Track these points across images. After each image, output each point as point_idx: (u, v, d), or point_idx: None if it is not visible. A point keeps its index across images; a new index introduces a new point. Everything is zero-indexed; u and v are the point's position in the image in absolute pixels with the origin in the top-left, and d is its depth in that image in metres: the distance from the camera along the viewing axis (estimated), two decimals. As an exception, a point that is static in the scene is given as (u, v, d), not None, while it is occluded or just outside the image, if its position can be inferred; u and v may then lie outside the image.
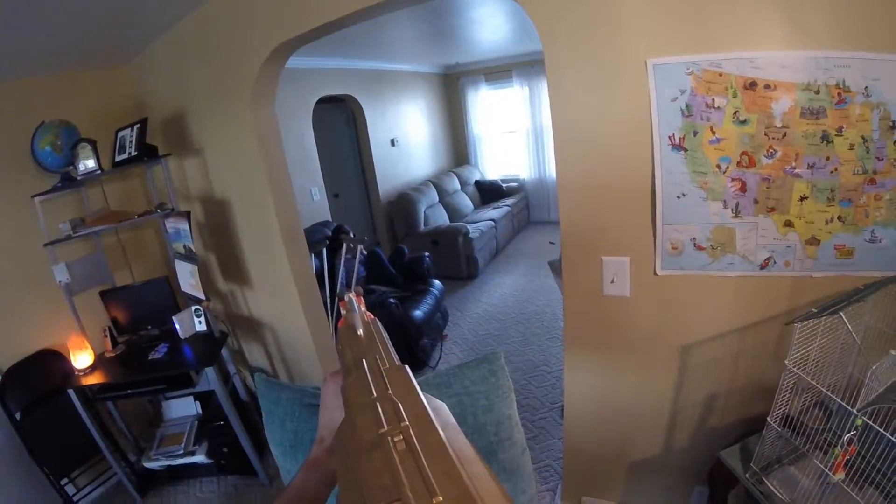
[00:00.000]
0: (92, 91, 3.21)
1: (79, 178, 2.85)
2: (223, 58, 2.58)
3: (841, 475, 1.35)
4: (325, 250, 3.95)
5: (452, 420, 0.41)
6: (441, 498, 0.29)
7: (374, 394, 0.42)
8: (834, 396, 1.32)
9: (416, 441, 0.34)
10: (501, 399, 1.29)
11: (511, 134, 8.27)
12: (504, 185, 8.25)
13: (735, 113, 1.47)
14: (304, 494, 0.65)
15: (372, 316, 0.66)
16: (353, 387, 0.47)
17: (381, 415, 0.38)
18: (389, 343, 0.57)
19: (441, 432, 0.36)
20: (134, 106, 3.30)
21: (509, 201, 7.78)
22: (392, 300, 4.13)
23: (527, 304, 5.29)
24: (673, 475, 2.17)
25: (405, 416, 0.37)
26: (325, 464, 0.67)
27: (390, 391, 0.42)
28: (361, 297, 0.70)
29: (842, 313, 1.25)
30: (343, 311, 0.67)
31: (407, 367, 0.48)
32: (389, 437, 0.35)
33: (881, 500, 1.33)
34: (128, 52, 3.10)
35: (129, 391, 2.98)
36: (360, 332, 0.59)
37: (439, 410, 0.41)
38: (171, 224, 2.95)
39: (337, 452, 0.46)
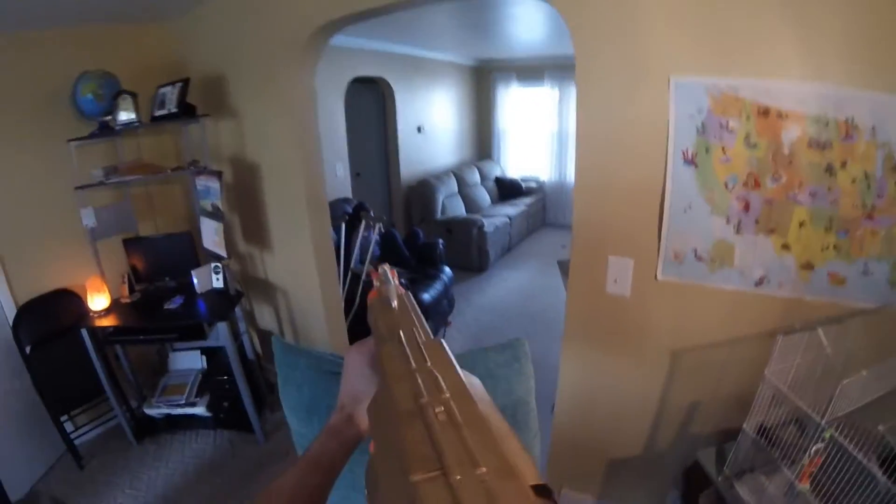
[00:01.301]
0: (134, 45, 3.28)
1: (117, 128, 2.92)
2: (270, 27, 2.65)
3: (806, 486, 1.44)
4: (343, 225, 4.05)
5: (488, 396, 0.42)
6: (485, 469, 0.29)
7: (413, 364, 0.43)
8: (805, 408, 1.40)
9: (457, 413, 0.35)
10: (522, 385, 1.30)
11: (536, 134, 8.27)
12: (523, 184, 8.26)
13: (747, 136, 1.56)
14: (322, 460, 0.65)
15: (405, 289, 0.65)
16: (389, 356, 0.47)
17: (422, 385, 0.38)
18: (422, 317, 0.57)
19: (480, 405, 0.37)
20: (175, 64, 3.36)
21: (527, 200, 7.82)
22: (403, 280, 4.22)
23: (532, 301, 5.36)
24: (651, 476, 2.25)
25: (444, 388, 0.38)
26: (344, 431, 0.67)
27: (429, 363, 0.43)
28: (395, 271, 0.69)
29: (819, 329, 1.33)
30: (376, 283, 0.67)
31: (444, 341, 0.48)
32: (431, 408, 0.35)
33: None
34: (175, 9, 3.15)
35: (140, 336, 3.08)
36: (395, 304, 0.60)
37: (476, 386, 0.42)
38: (202, 182, 3.05)
39: (373, 420, 0.45)
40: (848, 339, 1.48)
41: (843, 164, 1.49)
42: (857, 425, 1.33)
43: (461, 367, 0.43)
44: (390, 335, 0.52)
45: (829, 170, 1.51)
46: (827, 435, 1.35)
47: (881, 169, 1.45)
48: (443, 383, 0.39)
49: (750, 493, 1.60)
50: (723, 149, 1.60)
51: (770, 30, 1.49)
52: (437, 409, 0.35)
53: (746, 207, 1.63)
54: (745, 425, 1.60)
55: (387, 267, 0.68)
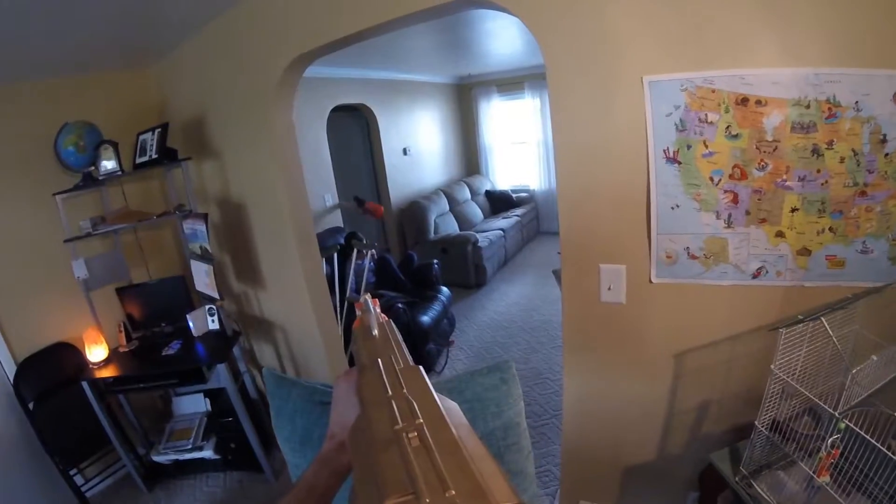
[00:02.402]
0: (115, 92, 3.31)
1: (100, 177, 2.94)
2: (245, 64, 2.66)
3: (826, 478, 1.40)
4: (336, 255, 4.03)
5: (465, 420, 0.42)
6: (454, 491, 0.30)
7: (390, 392, 0.44)
8: (817, 400, 1.37)
9: (430, 438, 0.36)
10: (511, 407, 1.31)
11: (522, 145, 8.31)
12: (514, 196, 8.29)
13: (727, 128, 1.54)
14: (315, 488, 0.67)
15: (386, 318, 0.67)
16: (368, 384, 0.48)
17: (397, 412, 0.40)
18: (403, 344, 0.58)
19: (454, 430, 0.37)
20: (156, 108, 3.40)
21: (519, 211, 7.83)
22: (400, 305, 4.19)
23: (533, 314, 5.34)
24: (667, 480, 2.20)
25: (419, 414, 0.39)
26: (335, 459, 0.69)
27: (405, 390, 0.44)
28: (377, 300, 0.72)
29: (823, 318, 1.31)
30: (359, 312, 0.70)
31: (421, 367, 0.49)
32: (404, 434, 0.36)
33: (865, 500, 1.37)
34: (152, 54, 3.18)
35: (141, 384, 3.06)
36: (376, 332, 0.61)
37: (452, 410, 0.42)
38: (189, 225, 3.03)
39: (352, 447, 0.46)
40: (854, 321, 1.46)
41: (830, 145, 1.47)
42: (872, 412, 1.30)
43: (446, 391, 0.45)
44: (370, 363, 0.53)
45: (816, 152, 1.48)
46: (842, 426, 1.32)
47: (868, 144, 1.43)
48: (417, 409, 0.40)
49: (769, 491, 1.57)
50: (704, 143, 1.58)
51: (740, 19, 1.47)
52: (410, 435, 0.36)
53: (735, 200, 1.61)
54: (756, 422, 1.57)
55: (368, 297, 0.70)
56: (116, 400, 3.25)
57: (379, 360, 0.51)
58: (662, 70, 1.57)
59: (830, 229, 1.55)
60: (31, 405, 2.83)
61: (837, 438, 1.35)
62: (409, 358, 0.54)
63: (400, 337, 0.61)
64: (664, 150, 1.64)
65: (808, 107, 1.45)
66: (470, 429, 0.40)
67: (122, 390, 3.13)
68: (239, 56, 2.69)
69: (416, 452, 0.34)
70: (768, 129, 1.51)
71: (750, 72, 1.48)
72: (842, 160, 1.47)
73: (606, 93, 1.69)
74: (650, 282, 1.84)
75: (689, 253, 1.73)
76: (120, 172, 2.95)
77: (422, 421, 0.38)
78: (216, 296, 3.03)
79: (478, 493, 0.31)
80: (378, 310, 0.69)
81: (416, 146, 7.28)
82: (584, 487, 2.45)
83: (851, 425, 1.30)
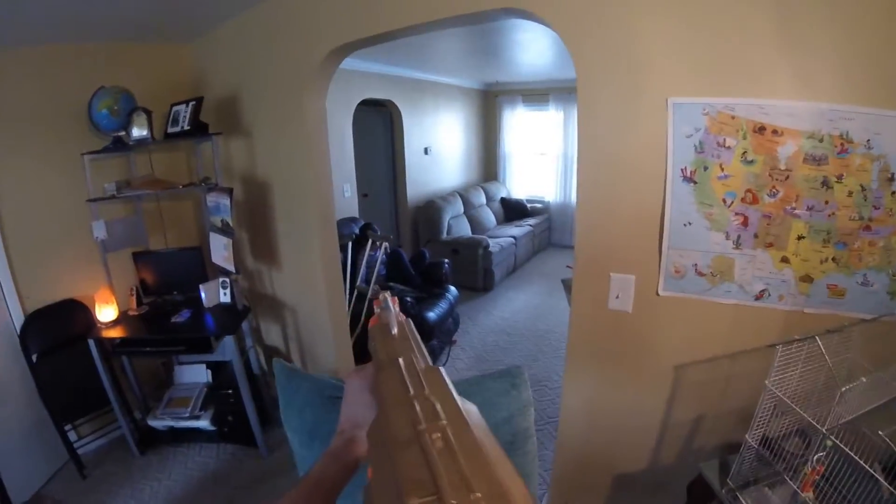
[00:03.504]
0: (152, 63, 3.37)
1: (131, 143, 3.01)
2: (283, 51, 2.73)
3: (810, 494, 1.45)
4: (350, 244, 4.10)
5: (484, 423, 0.42)
6: (479, 494, 0.30)
7: (412, 391, 0.44)
8: (805, 416, 1.42)
9: (453, 439, 0.35)
10: (520, 412, 1.32)
11: (542, 156, 8.36)
12: (528, 205, 8.34)
13: (744, 153, 1.60)
14: (323, 483, 0.66)
15: (405, 317, 0.66)
16: (388, 383, 0.48)
17: (420, 412, 0.39)
18: (422, 344, 0.58)
19: (476, 432, 0.37)
20: (190, 83, 3.46)
21: (532, 221, 7.87)
22: (409, 299, 4.27)
23: (537, 322, 5.38)
24: (657, 491, 2.23)
25: (441, 415, 0.39)
26: (344, 454, 0.68)
27: (427, 390, 0.43)
28: (396, 299, 0.70)
29: (818, 338, 1.36)
30: (377, 310, 0.68)
31: (442, 368, 0.49)
32: (427, 434, 0.36)
33: None
34: (193, 31, 3.25)
35: (147, 348, 3.13)
36: (395, 331, 0.60)
37: (472, 413, 0.42)
38: (213, 198, 3.10)
39: (370, 445, 0.46)
40: (850, 349, 1.50)
41: (839, 178, 1.52)
42: (859, 433, 1.33)
43: (459, 394, 0.44)
44: (389, 362, 0.52)
45: (826, 183, 1.54)
46: (828, 443, 1.36)
47: (877, 181, 1.48)
48: (440, 410, 0.40)
49: None
50: (720, 166, 1.64)
51: (764, 52, 1.54)
52: (433, 436, 0.36)
53: (745, 222, 1.67)
54: (747, 436, 1.61)
55: (388, 294, 0.69)
56: (120, 362, 3.30)
57: (400, 359, 0.51)
58: (686, 93, 1.64)
59: (833, 259, 1.60)
60: (34, 357, 2.89)
61: (823, 455, 1.40)
62: (429, 358, 0.54)
63: (419, 337, 0.60)
64: (682, 169, 1.70)
65: (821, 140, 1.51)
66: (489, 432, 0.40)
67: (128, 352, 3.19)
68: (277, 42, 2.76)
69: (439, 453, 0.34)
70: (782, 157, 1.57)
71: (768, 102, 1.54)
72: (850, 194, 1.52)
73: (632, 109, 1.76)
74: (657, 294, 1.90)
75: (696, 269, 1.78)
76: (150, 140, 3.02)
77: (445, 422, 0.38)
78: (232, 269, 3.09)
79: (501, 497, 0.31)
80: (397, 308, 0.68)
81: (438, 147, 7.34)
82: (573, 492, 2.48)
83: (837, 442, 1.33)
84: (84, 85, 2.97)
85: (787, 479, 1.52)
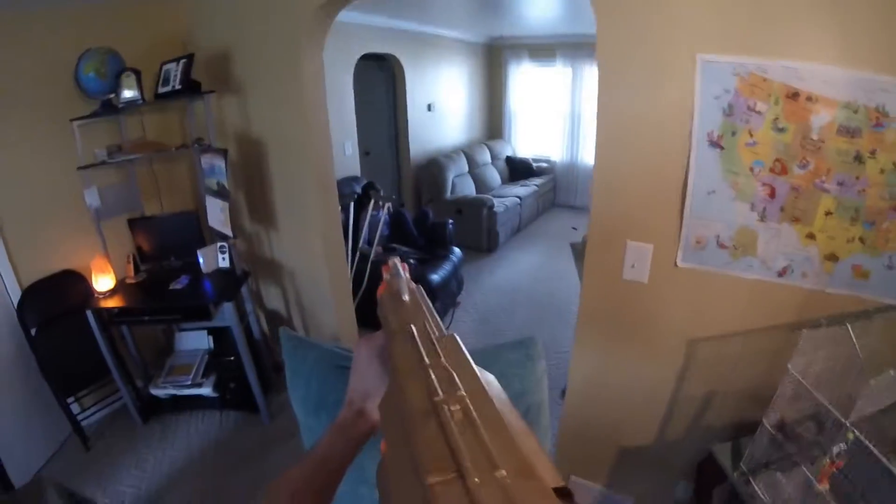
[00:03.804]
0: (140, 21, 3.22)
1: (120, 105, 2.88)
2: (278, 1, 2.59)
3: (825, 486, 1.40)
4: (352, 204, 4.01)
5: (504, 394, 0.40)
6: (504, 471, 0.28)
7: (427, 360, 0.41)
8: (831, 407, 1.36)
9: (473, 411, 0.33)
10: (535, 384, 1.30)
11: (548, 114, 8.17)
12: (534, 165, 8.19)
13: (775, 120, 1.49)
14: (330, 457, 0.64)
15: (416, 283, 0.63)
16: (401, 352, 0.46)
17: (436, 382, 0.37)
18: (434, 311, 0.55)
19: (497, 404, 0.35)
20: (181, 39, 3.31)
21: (537, 181, 7.75)
22: (412, 260, 4.20)
23: (541, 284, 5.34)
24: (660, 466, 2.23)
25: (460, 386, 0.36)
26: (353, 427, 0.66)
27: (443, 359, 0.41)
28: (406, 264, 0.68)
29: (848, 325, 1.28)
30: (386, 276, 0.66)
31: (457, 335, 0.46)
32: (446, 406, 0.34)
33: None
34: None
35: (146, 317, 3.07)
36: (406, 297, 0.58)
37: (491, 383, 0.40)
38: (207, 160, 3.00)
39: (383, 418, 0.44)
40: (870, 334, 1.42)
41: (873, 153, 1.42)
42: (881, 427, 1.30)
43: (476, 364, 0.41)
44: (402, 329, 0.50)
45: (858, 158, 1.44)
46: (850, 436, 1.31)
47: (911, 161, 1.39)
48: (458, 380, 0.37)
49: (766, 490, 1.58)
50: (749, 132, 1.53)
51: (802, 10, 1.41)
52: (452, 408, 0.34)
53: (772, 194, 1.57)
54: (764, 420, 1.56)
55: (397, 260, 0.67)
56: (119, 331, 3.26)
57: (412, 326, 0.48)
58: (717, 50, 1.52)
59: (860, 239, 1.52)
60: (33, 331, 2.84)
61: (843, 448, 1.34)
62: (443, 326, 0.50)
63: (430, 304, 0.57)
64: (708, 133, 1.59)
65: (856, 111, 1.41)
66: (510, 403, 0.38)
67: (126, 321, 3.14)
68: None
69: (460, 427, 0.32)
70: (815, 127, 1.46)
71: (804, 65, 1.43)
72: (881, 171, 1.43)
73: (658, 65, 1.63)
74: (675, 265, 1.81)
75: (718, 241, 1.70)
76: (141, 101, 2.89)
77: (464, 393, 0.35)
78: (230, 233, 3.01)
79: (528, 473, 0.28)
80: (408, 274, 0.65)
81: (441, 103, 7.17)
82: (576, 463, 2.47)
83: (861, 437, 1.29)
84: (70, 48, 2.84)
85: (804, 468, 1.49)
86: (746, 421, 1.84)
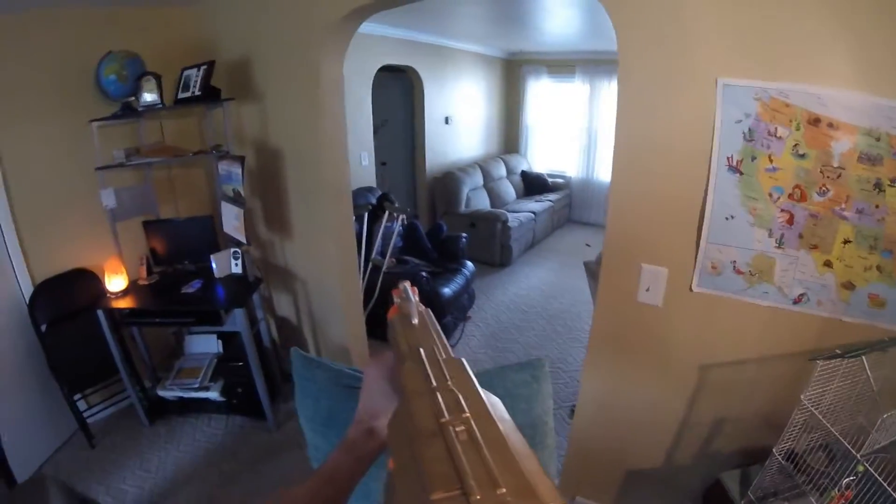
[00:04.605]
0: (162, 26, 3.26)
1: (140, 109, 2.92)
2: (300, 10, 2.61)
3: (835, 518, 1.38)
4: (366, 215, 4.02)
5: (508, 416, 0.41)
6: (504, 490, 0.29)
7: (434, 383, 0.43)
8: (842, 439, 1.34)
9: (477, 432, 0.34)
10: (541, 405, 1.31)
11: (565, 130, 8.17)
12: (549, 180, 8.19)
13: (795, 146, 1.48)
14: (338, 475, 0.66)
15: (425, 307, 0.65)
16: (410, 374, 0.47)
17: (442, 404, 0.38)
18: (443, 335, 0.56)
19: (500, 425, 0.36)
20: (202, 45, 3.34)
21: (552, 196, 7.74)
22: (424, 274, 4.19)
23: (553, 301, 5.30)
24: (667, 490, 2.21)
25: (465, 407, 0.38)
26: (361, 445, 0.67)
27: (450, 382, 0.43)
28: (416, 288, 0.69)
29: (864, 358, 1.26)
30: (396, 300, 0.67)
31: (464, 360, 0.47)
32: (451, 427, 0.35)
33: None
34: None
35: (157, 319, 3.08)
36: (416, 321, 0.59)
37: (496, 405, 0.41)
38: (224, 166, 3.02)
39: (391, 437, 0.45)
40: (884, 366, 1.41)
41: (893, 182, 1.41)
42: (892, 460, 1.28)
43: (481, 385, 0.42)
44: (411, 353, 0.52)
45: (878, 186, 1.43)
46: (860, 468, 1.30)
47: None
48: (463, 402, 0.38)
49: None
50: (769, 157, 1.52)
51: (823, 36, 1.41)
52: (457, 428, 0.35)
53: (790, 221, 1.55)
54: (774, 449, 1.54)
55: (408, 284, 0.67)
56: (129, 332, 3.27)
57: (421, 349, 0.50)
58: (738, 74, 1.51)
59: (878, 267, 1.50)
60: (43, 327, 2.86)
61: (853, 480, 1.33)
62: (450, 349, 0.52)
63: (439, 327, 0.59)
64: (728, 158, 1.59)
65: (878, 139, 1.40)
66: (514, 425, 0.38)
67: (137, 323, 3.16)
68: (292, 2, 2.64)
69: (464, 447, 0.33)
70: (835, 154, 1.46)
71: (826, 91, 1.42)
72: (902, 199, 1.41)
73: (678, 88, 1.63)
74: (690, 290, 1.80)
75: (735, 267, 1.69)
76: (160, 105, 2.93)
77: (469, 414, 0.36)
78: (243, 240, 3.02)
79: (528, 492, 0.29)
80: (417, 298, 0.66)
81: (458, 116, 7.19)
82: (582, 483, 2.45)
83: (871, 469, 1.28)
84: (91, 50, 2.88)
85: (812, 499, 1.48)
86: (756, 448, 1.82)
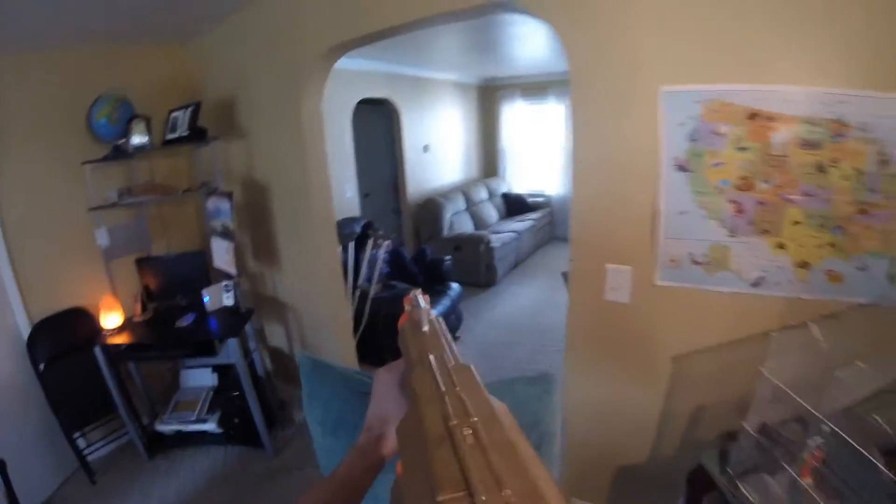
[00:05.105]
0: (149, 66, 3.38)
1: (130, 150, 3.01)
2: (279, 50, 2.74)
3: (809, 480, 1.45)
4: (351, 244, 4.11)
5: (514, 421, 0.42)
6: (510, 491, 0.30)
7: (442, 388, 0.43)
8: (800, 400, 1.41)
9: (484, 436, 0.35)
10: (549, 418, 1.31)
11: (542, 150, 8.32)
12: (530, 200, 8.32)
13: (737, 140, 1.60)
14: (350, 481, 0.66)
15: (436, 315, 0.66)
16: (419, 380, 0.48)
17: (450, 409, 0.39)
18: (453, 341, 0.58)
19: (507, 430, 0.37)
20: (188, 84, 3.47)
21: (534, 216, 7.85)
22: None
23: (540, 317, 5.36)
24: (659, 483, 2.23)
25: (472, 412, 0.39)
26: (372, 452, 0.68)
27: (458, 387, 0.43)
28: (427, 295, 0.71)
29: (810, 324, 1.36)
30: (407, 307, 0.69)
31: (472, 365, 0.49)
32: (459, 431, 0.36)
33: None
34: (189, 31, 3.26)
35: (153, 353, 3.13)
36: (426, 328, 0.60)
37: (502, 410, 0.42)
38: (213, 203, 3.11)
39: (400, 441, 0.46)
40: (847, 337, 1.49)
41: (835, 163, 1.52)
42: (857, 418, 1.33)
43: (489, 392, 0.44)
44: (420, 359, 0.53)
45: (821, 168, 1.54)
46: (826, 429, 1.35)
47: (873, 165, 1.48)
48: (470, 407, 0.39)
49: (754, 493, 1.60)
50: (714, 154, 1.65)
51: (756, 38, 1.54)
52: (464, 432, 0.36)
53: (740, 210, 1.67)
54: (745, 423, 1.61)
55: (418, 292, 0.70)
56: (126, 368, 3.32)
57: (431, 356, 0.51)
58: (679, 81, 1.65)
59: (831, 244, 1.60)
60: (41, 366, 2.89)
61: (822, 442, 1.40)
62: (459, 356, 0.54)
63: (449, 334, 0.61)
64: (675, 158, 1.71)
65: (816, 125, 1.51)
66: (520, 430, 0.40)
67: (133, 357, 3.21)
68: (274, 41, 2.77)
69: (471, 450, 0.34)
70: (776, 143, 1.57)
71: (762, 88, 1.55)
72: (845, 178, 1.52)
73: (624, 100, 1.77)
74: (654, 284, 1.90)
75: (692, 258, 1.79)
76: (150, 147, 3.03)
77: (476, 419, 0.38)
78: (234, 272, 3.10)
79: (533, 495, 0.31)
80: (428, 305, 0.68)
81: (438, 144, 7.33)
82: (576, 485, 2.49)
83: (834, 427, 1.33)
84: (83, 91, 3.00)
85: (786, 465, 1.51)
86: (737, 430, 1.88)
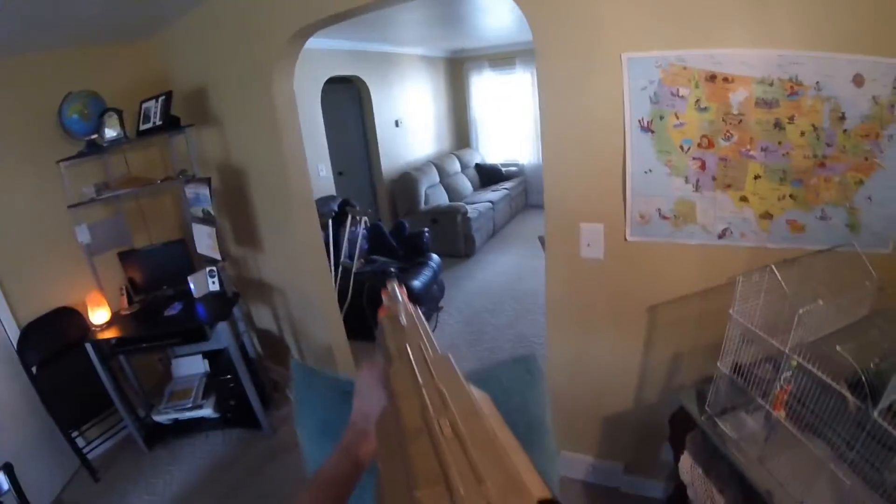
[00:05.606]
0: (118, 64, 3.36)
1: (104, 144, 3.01)
2: (248, 36, 2.74)
3: (781, 413, 1.55)
4: (330, 222, 4.15)
5: (496, 411, 0.41)
6: (489, 484, 0.29)
7: (420, 381, 0.43)
8: (768, 338, 1.51)
9: (462, 428, 0.35)
10: (536, 401, 1.27)
11: (513, 119, 8.37)
12: (504, 170, 8.40)
13: (697, 101, 1.69)
14: (336, 478, 0.67)
15: (413, 305, 0.66)
16: (397, 374, 0.47)
17: (428, 402, 0.39)
18: (431, 332, 0.56)
19: (486, 421, 0.36)
20: (158, 79, 3.45)
21: (508, 185, 7.93)
22: (393, 270, 4.34)
23: (520, 282, 5.48)
24: (644, 430, 2.36)
25: (451, 405, 0.38)
26: (357, 449, 0.69)
27: (436, 379, 0.43)
28: (403, 288, 0.71)
29: (773, 266, 1.46)
30: (385, 301, 0.69)
31: (450, 356, 0.48)
32: (436, 424, 0.35)
33: (822, 444, 1.47)
34: (154, 26, 3.25)
35: (143, 344, 3.14)
36: (404, 321, 0.60)
37: (483, 401, 0.41)
38: (192, 189, 3.13)
39: (379, 437, 0.45)
40: (811, 279, 1.57)
41: (791, 119, 1.61)
42: (822, 353, 1.41)
43: (471, 382, 0.43)
44: (398, 353, 0.52)
45: (778, 125, 1.63)
46: (794, 363, 1.44)
47: (828, 121, 1.57)
48: (449, 399, 0.39)
49: (732, 429, 1.70)
50: (676, 115, 1.73)
51: (712, 4, 1.62)
52: (442, 425, 0.35)
53: (703, 167, 1.76)
54: (719, 363, 1.70)
55: (395, 284, 0.71)
56: (118, 363, 3.34)
57: (408, 348, 0.51)
58: (639, 48, 1.73)
59: (791, 196, 1.70)
60: (34, 370, 2.90)
61: (790, 375, 1.49)
62: (437, 347, 0.52)
63: (427, 325, 0.59)
64: (639, 120, 1.80)
65: (771, 84, 1.60)
66: (501, 420, 0.40)
67: (125, 351, 3.21)
68: (241, 28, 2.77)
69: (449, 443, 0.33)
70: (734, 103, 1.66)
71: (720, 52, 1.63)
72: (802, 134, 1.61)
73: (589, 66, 1.84)
74: (625, 240, 2.01)
75: (660, 214, 1.89)
76: (124, 139, 3.02)
77: (454, 411, 0.37)
78: (218, 257, 3.14)
79: (513, 487, 0.30)
80: (405, 297, 0.68)
81: (408, 118, 7.35)
82: (565, 439, 2.58)
83: (801, 361, 1.42)
84: (53, 92, 2.96)
85: (760, 401, 1.61)
86: (712, 374, 1.99)
